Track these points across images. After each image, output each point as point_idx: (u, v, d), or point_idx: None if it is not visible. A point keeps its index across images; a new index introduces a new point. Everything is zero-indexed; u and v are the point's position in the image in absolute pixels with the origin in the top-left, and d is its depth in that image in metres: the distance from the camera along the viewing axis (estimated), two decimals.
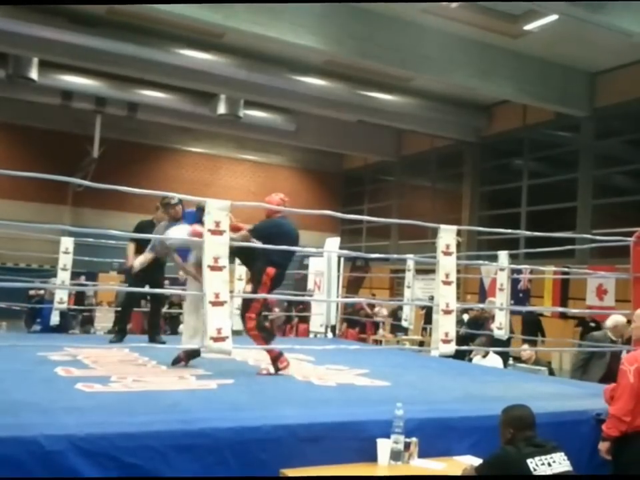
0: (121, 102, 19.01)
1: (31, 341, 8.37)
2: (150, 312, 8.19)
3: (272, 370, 5.91)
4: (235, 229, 5.67)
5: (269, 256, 5.84)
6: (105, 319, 15.75)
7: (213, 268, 4.45)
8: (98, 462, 3.37)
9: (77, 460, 3.32)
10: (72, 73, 17.14)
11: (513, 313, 10.58)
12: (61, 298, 9.43)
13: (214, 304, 4.40)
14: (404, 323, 10.74)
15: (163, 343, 7.32)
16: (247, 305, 5.93)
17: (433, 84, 16.55)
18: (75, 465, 3.32)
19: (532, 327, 13.88)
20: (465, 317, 13.59)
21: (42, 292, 15.09)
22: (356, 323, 16.14)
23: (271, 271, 5.87)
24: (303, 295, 12.54)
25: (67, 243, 9.21)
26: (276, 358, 5.93)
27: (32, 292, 15.29)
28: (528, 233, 7.97)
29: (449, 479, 3.83)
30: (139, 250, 7.39)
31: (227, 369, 6.03)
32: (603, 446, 4.52)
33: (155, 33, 14.46)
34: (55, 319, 10.74)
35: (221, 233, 4.47)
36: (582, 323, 13.67)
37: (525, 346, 8.27)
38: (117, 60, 14.96)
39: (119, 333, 7.97)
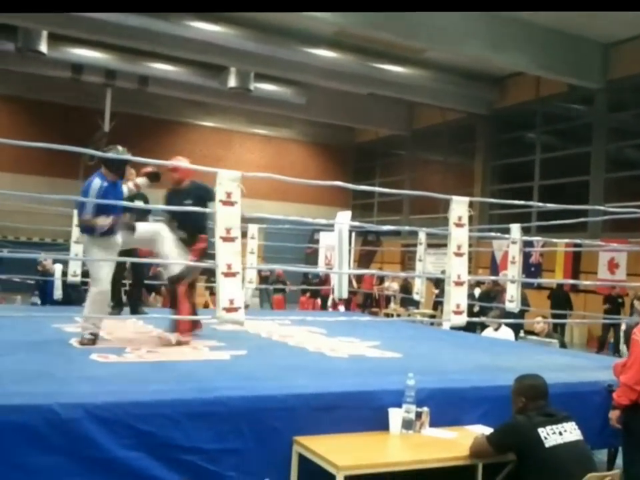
0: (132, 75, 18.95)
1: (46, 313, 8.43)
2: (131, 283, 8.02)
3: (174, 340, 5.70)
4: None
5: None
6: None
7: (225, 239, 4.43)
8: (113, 429, 3.41)
9: (92, 427, 3.37)
10: (82, 45, 17.09)
11: (528, 286, 10.61)
12: (75, 271, 9.44)
13: (226, 275, 4.40)
14: (415, 296, 10.74)
15: (145, 313, 7.03)
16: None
17: (445, 56, 16.41)
18: (90, 433, 3.36)
19: (561, 301, 13.92)
20: (477, 291, 13.61)
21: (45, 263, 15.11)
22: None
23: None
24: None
25: None
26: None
27: (39, 266, 15.33)
28: (540, 204, 7.92)
29: (460, 447, 3.86)
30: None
31: (240, 341, 6.08)
32: (613, 414, 4.55)
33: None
34: (57, 292, 10.77)
35: (232, 203, 4.46)
36: (609, 299, 13.61)
37: (539, 318, 8.25)
38: (127, 32, 14.90)
39: (115, 306, 7.70)
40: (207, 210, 5.32)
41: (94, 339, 5.43)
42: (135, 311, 7.42)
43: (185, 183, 6.10)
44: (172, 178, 6.12)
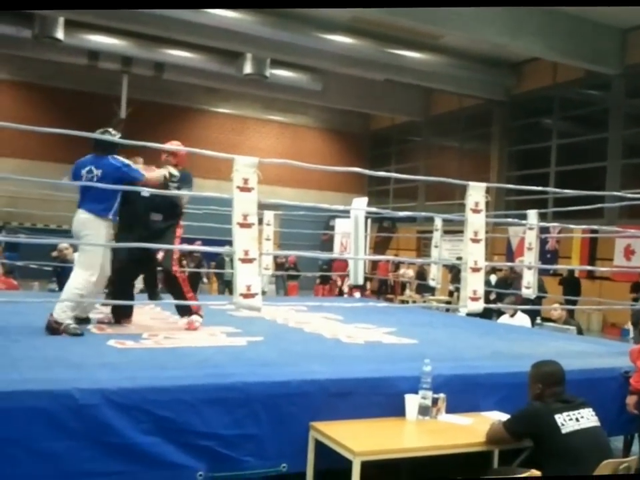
0: (148, 62, 18.97)
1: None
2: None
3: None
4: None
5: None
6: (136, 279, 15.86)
7: (242, 225, 4.43)
8: (130, 415, 3.43)
9: (109, 413, 3.40)
10: (98, 32, 17.11)
11: (543, 273, 10.56)
12: None
13: (243, 261, 4.41)
14: (431, 283, 10.72)
15: (161, 299, 6.78)
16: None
17: (462, 41, 16.30)
18: (108, 418, 3.39)
19: (572, 287, 13.87)
20: (492, 278, 13.54)
21: (66, 252, 15.15)
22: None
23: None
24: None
25: None
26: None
27: (54, 253, 15.40)
28: (557, 190, 7.88)
29: (476, 433, 3.86)
30: None
31: (257, 327, 6.10)
32: (631, 400, 4.56)
33: None
34: None
35: (249, 189, 4.46)
36: (637, 287, 13.51)
37: (556, 305, 8.22)
38: (143, 19, 14.88)
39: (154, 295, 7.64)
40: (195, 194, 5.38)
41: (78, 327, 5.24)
42: (152, 297, 7.40)
43: (178, 168, 6.09)
44: (167, 161, 6.06)
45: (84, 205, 5.41)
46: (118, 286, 6.00)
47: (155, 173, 5.80)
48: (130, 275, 6.18)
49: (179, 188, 5.85)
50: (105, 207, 5.38)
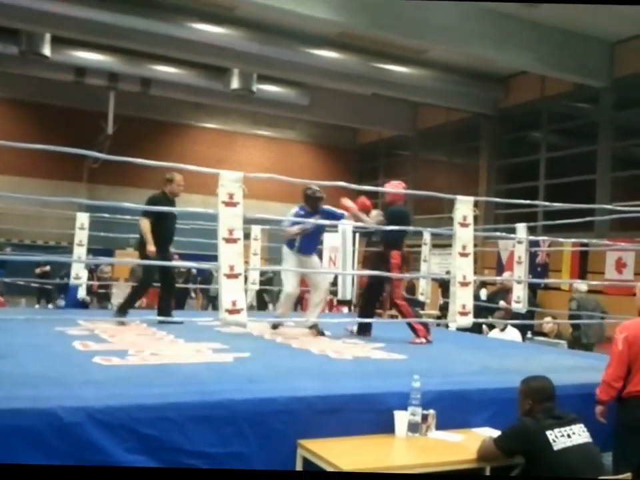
0: (134, 78, 18.92)
1: (47, 315, 8.40)
2: (162, 287, 7.82)
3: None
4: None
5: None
6: (121, 295, 15.80)
7: (227, 240, 4.40)
8: (115, 433, 3.38)
9: (94, 431, 3.34)
10: (85, 48, 17.04)
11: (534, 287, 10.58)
12: (77, 274, 9.43)
13: (228, 276, 4.38)
14: (420, 297, 10.69)
15: (181, 323, 6.88)
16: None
17: (448, 55, 16.34)
18: (93, 437, 3.34)
19: None
20: (483, 292, 13.52)
21: (47, 268, 15.20)
22: None
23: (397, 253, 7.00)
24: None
25: (83, 218, 9.19)
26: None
27: (37, 270, 15.38)
28: (546, 204, 7.86)
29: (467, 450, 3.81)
30: (153, 225, 7.24)
31: (244, 343, 6.04)
32: (598, 409, 4.58)
33: (166, 6, 14.35)
34: (82, 293, 10.81)
35: (234, 204, 4.43)
36: None
37: (548, 318, 8.21)
38: (129, 35, 14.85)
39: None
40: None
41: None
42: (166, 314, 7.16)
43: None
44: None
45: None
46: (365, 305, 7.65)
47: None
48: (375, 295, 7.70)
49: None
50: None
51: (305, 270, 7.17)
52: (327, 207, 7.53)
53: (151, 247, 7.04)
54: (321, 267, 8.27)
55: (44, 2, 13.39)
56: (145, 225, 7.21)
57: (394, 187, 7.12)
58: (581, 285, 11.20)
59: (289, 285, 7.32)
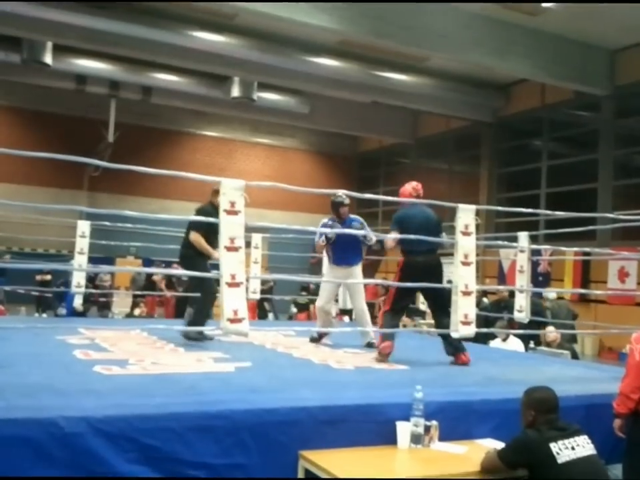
0: (135, 86, 18.96)
1: (49, 324, 8.37)
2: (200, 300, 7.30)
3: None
4: None
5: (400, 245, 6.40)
6: (122, 303, 15.81)
7: (229, 249, 4.39)
8: (116, 443, 3.35)
9: (95, 441, 3.31)
10: (86, 56, 17.08)
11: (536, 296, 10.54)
12: (78, 282, 9.40)
13: (230, 285, 4.36)
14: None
15: (211, 339, 6.75)
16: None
17: (449, 63, 16.35)
18: (94, 446, 3.30)
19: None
20: (485, 301, 13.48)
21: (48, 277, 15.23)
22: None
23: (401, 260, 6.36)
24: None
25: (83, 226, 9.19)
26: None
27: (38, 277, 15.39)
28: (547, 212, 7.83)
29: (470, 462, 3.77)
30: (206, 237, 6.86)
31: (245, 352, 6.02)
32: (616, 423, 4.47)
33: (167, 15, 14.38)
34: (78, 302, 10.79)
35: (236, 213, 4.42)
36: None
37: (551, 328, 8.16)
38: (130, 43, 14.90)
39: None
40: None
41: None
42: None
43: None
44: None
45: None
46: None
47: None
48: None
49: None
50: None
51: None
52: (353, 215, 7.52)
53: (216, 254, 6.53)
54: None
55: (45, 10, 13.42)
56: (198, 238, 6.89)
57: (404, 191, 6.82)
58: (550, 294, 11.47)
59: (319, 299, 7.44)
